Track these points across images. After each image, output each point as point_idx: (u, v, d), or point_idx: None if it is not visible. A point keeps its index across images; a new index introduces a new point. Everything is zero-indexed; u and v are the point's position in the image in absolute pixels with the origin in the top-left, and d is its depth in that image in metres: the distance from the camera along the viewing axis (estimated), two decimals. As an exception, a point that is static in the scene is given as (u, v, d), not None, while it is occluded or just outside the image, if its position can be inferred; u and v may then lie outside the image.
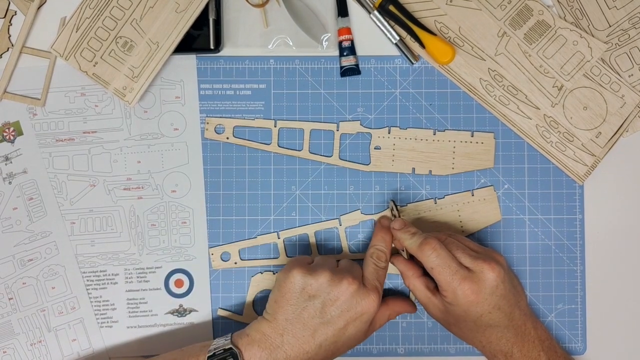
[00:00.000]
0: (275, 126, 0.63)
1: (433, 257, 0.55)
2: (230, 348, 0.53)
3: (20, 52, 0.63)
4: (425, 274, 0.58)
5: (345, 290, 0.54)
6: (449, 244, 0.56)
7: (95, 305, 0.63)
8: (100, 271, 0.63)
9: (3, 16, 0.63)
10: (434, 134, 0.63)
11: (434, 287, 0.57)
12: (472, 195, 0.63)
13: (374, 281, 0.56)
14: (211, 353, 0.53)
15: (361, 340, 0.56)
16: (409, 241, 0.57)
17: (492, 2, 0.63)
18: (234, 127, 0.63)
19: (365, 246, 0.63)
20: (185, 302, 0.63)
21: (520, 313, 0.56)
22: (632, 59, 0.63)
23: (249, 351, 0.53)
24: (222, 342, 0.54)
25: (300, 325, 0.53)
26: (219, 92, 0.64)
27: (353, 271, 0.56)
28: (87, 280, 0.63)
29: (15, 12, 0.63)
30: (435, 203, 0.63)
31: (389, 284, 0.63)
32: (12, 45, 0.63)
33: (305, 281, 0.54)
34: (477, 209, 0.63)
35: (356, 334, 0.55)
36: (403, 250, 0.59)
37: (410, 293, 0.63)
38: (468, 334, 0.57)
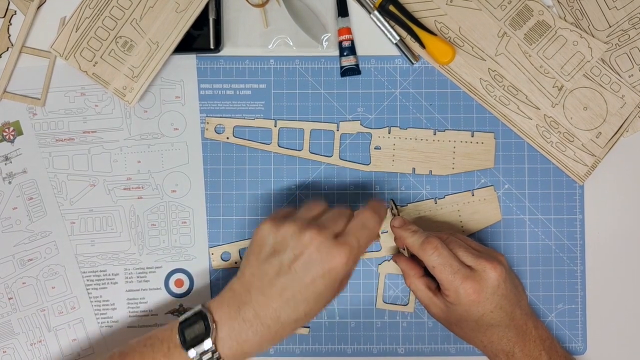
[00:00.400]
0: (275, 126, 0.63)
1: (435, 257, 0.55)
2: (200, 310, 0.51)
3: (20, 52, 0.63)
4: (427, 274, 0.58)
5: (309, 244, 0.50)
6: (450, 242, 0.56)
7: (95, 305, 0.63)
8: (100, 271, 0.63)
9: (3, 16, 0.63)
10: (434, 134, 0.63)
11: (436, 287, 0.57)
12: (473, 195, 0.63)
13: (351, 237, 0.51)
14: (182, 319, 0.51)
15: (334, 297, 0.52)
16: (411, 239, 0.57)
17: (492, 2, 0.63)
18: (234, 127, 0.63)
19: (366, 246, 0.63)
20: (186, 302, 0.63)
21: (522, 312, 0.56)
22: (632, 59, 0.63)
23: (218, 311, 0.51)
24: (194, 308, 0.52)
25: (266, 281, 0.50)
26: (219, 92, 0.64)
27: (327, 223, 0.52)
28: (87, 280, 0.63)
29: (15, 11, 0.63)
30: (436, 203, 0.63)
31: (390, 284, 0.63)
32: (12, 45, 0.63)
33: (272, 234, 0.51)
34: (477, 209, 0.63)
35: (328, 292, 0.51)
36: (404, 249, 0.59)
37: (410, 294, 0.63)
38: (469, 333, 0.57)
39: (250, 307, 0.50)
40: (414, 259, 0.59)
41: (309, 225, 0.51)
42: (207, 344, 0.50)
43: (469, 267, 0.55)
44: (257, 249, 0.52)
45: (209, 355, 0.50)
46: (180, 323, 0.51)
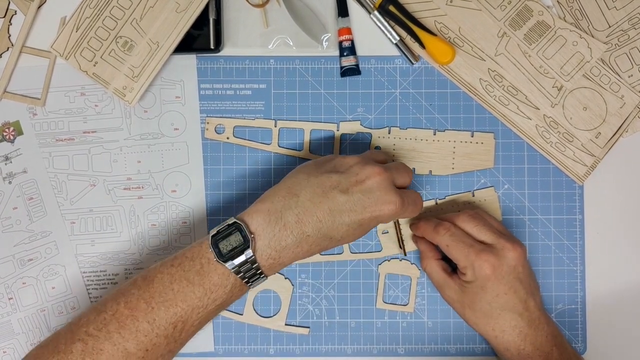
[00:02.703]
0: (275, 126, 0.64)
1: (447, 236, 0.56)
2: (234, 222, 0.50)
3: (20, 52, 0.63)
4: (444, 259, 0.59)
5: (372, 175, 0.51)
6: (474, 217, 0.57)
7: (95, 305, 0.63)
8: (100, 271, 0.63)
9: (3, 16, 0.63)
10: (434, 134, 0.63)
11: (451, 270, 0.58)
12: (473, 196, 0.63)
13: (406, 197, 0.53)
14: (214, 232, 0.50)
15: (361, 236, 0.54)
16: (424, 224, 0.58)
17: (492, 3, 0.63)
18: (234, 127, 0.63)
19: (365, 246, 0.63)
20: (186, 302, 0.63)
21: (535, 305, 0.56)
22: (631, 59, 0.63)
23: (255, 220, 0.50)
24: (225, 221, 0.51)
25: (320, 191, 0.50)
26: (219, 92, 0.64)
27: (391, 169, 0.53)
28: (87, 280, 0.63)
29: (15, 11, 0.63)
30: (436, 204, 0.63)
31: (390, 284, 0.63)
32: (12, 44, 0.63)
33: (337, 159, 0.53)
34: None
35: (364, 227, 0.52)
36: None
37: (410, 294, 0.63)
38: (482, 319, 0.57)
39: (295, 211, 0.50)
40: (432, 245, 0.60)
41: (374, 162, 0.53)
42: (247, 254, 0.49)
43: (487, 244, 0.55)
44: (319, 163, 0.53)
45: (248, 266, 0.49)
46: (213, 236, 0.50)
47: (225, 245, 0.49)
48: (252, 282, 0.51)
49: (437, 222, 0.58)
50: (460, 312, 0.59)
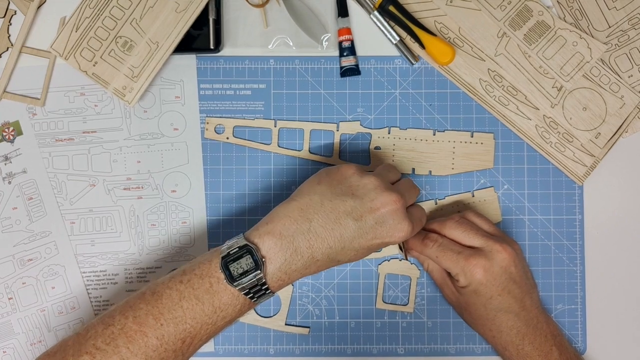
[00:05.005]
0: (275, 126, 0.63)
1: (435, 247, 0.56)
2: (245, 244, 0.49)
3: (20, 52, 0.63)
4: None
5: (388, 204, 0.51)
6: (460, 224, 0.57)
7: (95, 306, 0.63)
8: (100, 271, 0.63)
9: (3, 16, 0.63)
10: (434, 135, 0.63)
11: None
12: (473, 196, 0.63)
13: (415, 220, 0.53)
14: (224, 254, 0.49)
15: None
16: (412, 240, 0.58)
17: (491, 3, 0.63)
18: (234, 127, 0.63)
19: (365, 246, 0.63)
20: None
21: (532, 304, 0.56)
22: (631, 59, 0.63)
23: (266, 242, 0.50)
24: (234, 241, 0.50)
25: (333, 216, 0.50)
26: (219, 92, 0.64)
27: (404, 192, 0.53)
28: (87, 280, 0.63)
29: (15, 11, 0.63)
30: (436, 204, 0.63)
31: (390, 284, 0.63)
32: (12, 44, 0.63)
33: (355, 177, 0.52)
34: (477, 210, 0.63)
35: (372, 251, 0.52)
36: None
37: (410, 294, 0.63)
38: (479, 320, 0.57)
39: (306, 237, 0.50)
40: None
41: (392, 187, 0.52)
42: (258, 278, 0.49)
43: (476, 248, 0.55)
44: (334, 182, 0.52)
45: (258, 288, 0.49)
46: (223, 257, 0.50)
47: (236, 268, 0.49)
48: (259, 299, 0.51)
49: (424, 235, 0.58)
50: (459, 313, 0.60)
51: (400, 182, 0.55)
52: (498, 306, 0.55)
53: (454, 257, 0.55)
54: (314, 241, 0.50)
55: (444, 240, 0.56)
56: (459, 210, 0.63)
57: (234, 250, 0.49)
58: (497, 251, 0.55)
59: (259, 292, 0.50)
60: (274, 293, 0.51)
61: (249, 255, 0.49)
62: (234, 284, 0.49)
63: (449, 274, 0.58)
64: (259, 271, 0.49)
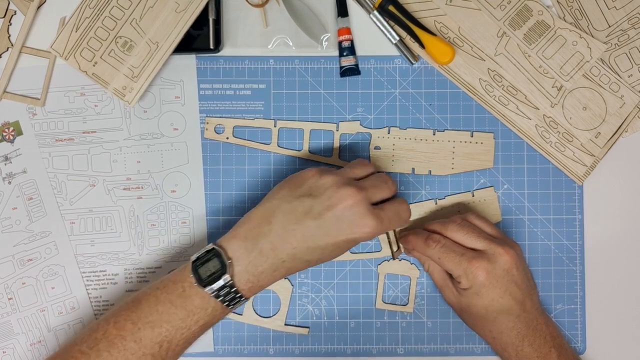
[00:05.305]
0: (275, 126, 0.63)
1: (438, 248, 0.56)
2: (213, 248, 0.52)
3: (20, 52, 0.63)
4: None
5: (345, 199, 0.51)
6: (462, 226, 0.57)
7: (95, 306, 0.63)
8: (100, 271, 0.63)
9: (3, 16, 0.63)
10: (434, 134, 0.63)
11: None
12: (473, 196, 0.63)
13: (385, 214, 0.52)
14: (194, 258, 0.52)
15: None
16: (414, 239, 0.58)
17: (491, 2, 0.63)
18: (233, 127, 0.63)
19: (365, 246, 0.63)
20: (185, 302, 0.63)
21: (532, 305, 0.56)
22: (631, 59, 0.63)
23: (232, 245, 0.52)
24: (205, 247, 0.53)
25: (293, 217, 0.51)
26: (219, 92, 0.64)
27: (368, 187, 0.53)
28: (87, 280, 0.63)
29: (15, 11, 0.63)
30: (436, 204, 0.63)
31: (390, 284, 0.63)
32: (12, 45, 0.63)
33: (313, 178, 0.53)
34: (477, 210, 0.63)
35: (342, 249, 0.53)
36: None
37: (410, 293, 0.63)
38: (479, 322, 0.57)
39: (269, 239, 0.51)
40: None
41: (351, 182, 0.52)
42: (225, 279, 0.50)
43: (479, 250, 0.55)
44: (293, 186, 0.53)
45: (227, 290, 0.51)
46: (193, 262, 0.52)
47: (205, 271, 0.51)
48: (232, 304, 0.52)
49: (426, 235, 0.57)
50: (459, 314, 0.60)
51: (368, 177, 0.55)
52: (499, 308, 0.55)
53: (456, 259, 0.55)
54: (277, 242, 0.51)
55: (446, 242, 0.56)
56: (459, 211, 0.63)
57: (202, 254, 0.52)
58: (499, 254, 0.55)
59: (228, 294, 0.51)
60: (247, 298, 0.52)
61: (216, 258, 0.51)
62: (204, 286, 0.51)
63: (450, 275, 0.58)
64: (226, 273, 0.50)
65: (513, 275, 0.55)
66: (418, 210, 0.63)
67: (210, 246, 0.52)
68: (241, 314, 0.63)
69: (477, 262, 0.54)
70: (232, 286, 0.51)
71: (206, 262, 0.51)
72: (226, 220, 0.63)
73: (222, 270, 0.51)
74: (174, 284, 0.52)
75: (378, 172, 0.56)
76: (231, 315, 0.63)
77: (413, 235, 0.58)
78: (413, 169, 0.63)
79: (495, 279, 0.54)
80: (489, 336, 0.57)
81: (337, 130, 0.63)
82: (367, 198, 0.52)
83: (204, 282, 0.51)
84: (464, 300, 0.57)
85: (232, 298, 0.51)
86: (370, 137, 0.63)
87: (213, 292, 0.51)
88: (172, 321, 0.51)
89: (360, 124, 0.64)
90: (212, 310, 0.52)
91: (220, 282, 0.50)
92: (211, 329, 0.62)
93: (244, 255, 0.51)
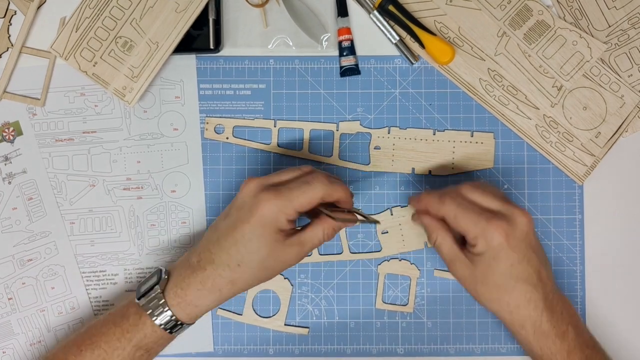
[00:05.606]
0: (275, 126, 0.63)
1: (454, 206, 0.52)
2: (158, 267, 0.55)
3: (20, 52, 0.63)
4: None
5: (242, 189, 0.52)
6: (477, 186, 0.54)
7: (95, 306, 0.63)
8: (100, 271, 0.63)
9: (3, 16, 0.63)
10: (434, 134, 0.63)
11: (462, 242, 0.54)
12: (472, 195, 0.63)
13: (285, 186, 0.51)
14: (143, 299, 0.53)
15: (283, 260, 0.52)
16: (427, 197, 0.55)
17: (491, 2, 0.63)
18: (233, 127, 0.63)
19: (365, 246, 0.63)
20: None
21: (548, 277, 0.53)
22: (631, 59, 0.63)
23: (175, 264, 0.55)
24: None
25: (213, 227, 0.54)
26: (219, 92, 0.64)
27: (264, 177, 0.53)
28: (87, 281, 0.63)
29: (15, 11, 0.63)
30: (435, 203, 0.63)
31: (389, 284, 0.63)
32: (12, 45, 0.63)
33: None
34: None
35: (258, 242, 0.50)
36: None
37: (410, 293, 0.63)
38: (495, 293, 0.52)
39: (196, 252, 0.53)
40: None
41: (261, 181, 0.52)
42: (155, 289, 0.53)
43: (496, 211, 0.52)
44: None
45: (155, 302, 0.52)
46: (139, 282, 0.55)
47: (143, 287, 0.54)
48: (158, 316, 0.52)
49: (441, 193, 0.54)
50: (472, 290, 0.54)
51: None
52: (518, 275, 0.51)
53: (474, 217, 0.51)
54: (202, 254, 0.53)
55: (463, 200, 0.53)
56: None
57: (148, 273, 0.56)
58: (517, 215, 0.51)
59: (157, 307, 0.52)
60: (179, 319, 0.53)
61: (157, 275, 0.54)
62: (138, 298, 0.53)
63: (462, 243, 0.54)
64: (157, 284, 0.53)
65: (531, 240, 0.52)
66: (418, 210, 0.63)
67: (158, 267, 0.56)
68: (241, 314, 0.63)
69: (497, 221, 0.50)
70: (160, 298, 0.52)
71: (149, 279, 0.55)
72: (226, 220, 0.63)
73: (156, 282, 0.53)
74: (120, 303, 0.55)
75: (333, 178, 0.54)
76: (231, 316, 0.63)
77: (426, 194, 0.55)
78: (413, 169, 0.63)
79: (514, 242, 0.51)
80: (505, 311, 0.53)
81: (337, 130, 0.63)
82: (260, 182, 0.52)
83: (139, 295, 0.53)
84: (479, 269, 0.52)
85: (159, 310, 0.52)
86: (370, 137, 0.63)
87: (143, 305, 0.52)
88: (110, 341, 0.53)
89: (360, 124, 0.64)
90: (142, 327, 0.52)
91: (151, 294, 0.52)
92: (211, 329, 0.62)
93: (177, 271, 0.53)
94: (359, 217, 0.55)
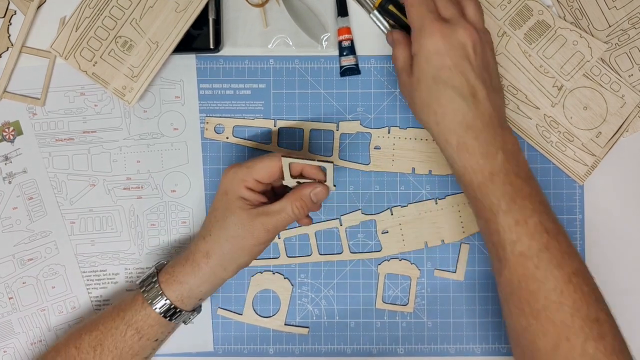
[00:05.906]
0: (275, 126, 0.63)
1: (416, 1, 0.53)
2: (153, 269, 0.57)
3: (20, 52, 0.63)
4: None
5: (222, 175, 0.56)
6: None
7: (95, 305, 0.63)
8: (100, 271, 0.63)
9: (3, 16, 0.63)
10: (434, 134, 0.63)
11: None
12: (472, 195, 0.63)
13: (247, 161, 0.55)
14: (140, 280, 0.57)
15: (251, 231, 0.54)
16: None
17: (491, 2, 0.63)
18: (233, 127, 0.63)
19: (365, 246, 0.63)
20: (185, 301, 0.63)
21: (486, 100, 0.51)
22: (632, 59, 0.63)
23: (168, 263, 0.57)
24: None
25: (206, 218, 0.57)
26: (219, 91, 0.64)
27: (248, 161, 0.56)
28: (87, 280, 0.63)
29: (15, 11, 0.63)
30: (436, 203, 0.63)
31: (390, 284, 0.63)
32: (12, 44, 0.63)
33: None
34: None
35: (227, 213, 0.54)
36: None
37: (410, 293, 0.63)
38: (426, 99, 0.52)
39: (194, 243, 0.56)
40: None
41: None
42: (151, 270, 0.57)
43: (447, 19, 0.53)
44: None
45: (149, 281, 0.55)
46: (139, 284, 0.57)
47: (145, 279, 0.57)
48: (148, 292, 0.55)
49: None
50: (409, 98, 0.55)
51: None
52: (447, 80, 0.51)
53: (423, 12, 0.52)
54: (196, 239, 0.56)
55: (428, 1, 0.53)
56: (459, 210, 0.63)
57: (144, 277, 0.57)
58: (461, 27, 0.52)
59: (149, 284, 0.55)
60: (168, 300, 0.54)
61: (154, 268, 0.57)
62: (138, 283, 0.56)
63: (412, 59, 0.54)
64: (154, 269, 0.57)
65: (468, 53, 0.51)
66: (418, 210, 0.63)
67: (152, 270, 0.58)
68: (241, 314, 0.63)
69: (439, 24, 0.51)
70: (153, 276, 0.56)
71: (149, 274, 0.57)
72: (226, 220, 0.63)
73: (157, 269, 0.57)
74: (128, 295, 0.57)
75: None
76: (231, 315, 0.63)
77: None
78: (413, 169, 0.63)
79: (448, 46, 0.51)
80: (432, 121, 0.52)
81: (337, 130, 0.63)
82: (241, 163, 0.55)
83: (140, 281, 0.56)
84: (415, 75, 0.53)
85: (151, 288, 0.55)
86: (370, 136, 0.63)
87: (139, 284, 0.56)
88: (107, 323, 0.55)
89: (361, 124, 0.64)
90: (134, 304, 0.55)
91: (148, 273, 0.56)
92: (211, 329, 0.62)
93: (175, 260, 0.57)
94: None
